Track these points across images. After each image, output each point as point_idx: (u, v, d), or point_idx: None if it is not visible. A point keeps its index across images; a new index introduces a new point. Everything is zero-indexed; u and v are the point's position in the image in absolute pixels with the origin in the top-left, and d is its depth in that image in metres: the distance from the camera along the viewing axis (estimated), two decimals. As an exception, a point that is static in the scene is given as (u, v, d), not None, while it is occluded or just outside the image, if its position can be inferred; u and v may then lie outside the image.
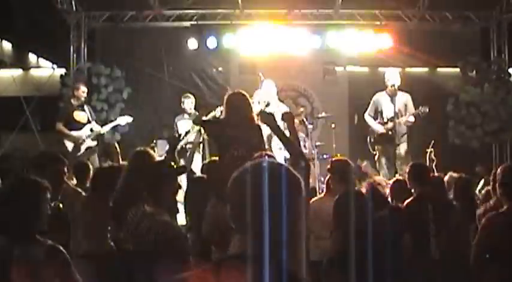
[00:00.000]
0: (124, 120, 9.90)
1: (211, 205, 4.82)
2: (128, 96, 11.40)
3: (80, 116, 9.57)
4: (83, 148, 9.44)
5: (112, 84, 11.38)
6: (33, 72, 13.75)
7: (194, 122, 8.78)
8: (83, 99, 9.64)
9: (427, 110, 9.01)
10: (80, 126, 9.49)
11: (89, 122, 9.57)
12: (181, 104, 9.80)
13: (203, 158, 9.29)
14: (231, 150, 5.25)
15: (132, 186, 4.49)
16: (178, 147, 9.63)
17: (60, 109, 10.26)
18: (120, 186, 4.84)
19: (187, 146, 9.56)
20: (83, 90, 9.69)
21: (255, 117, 6.36)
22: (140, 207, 3.97)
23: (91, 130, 9.52)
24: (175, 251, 3.70)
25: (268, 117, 4.42)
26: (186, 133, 9.70)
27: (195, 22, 11.66)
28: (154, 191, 3.96)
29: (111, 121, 10.07)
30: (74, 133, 9.44)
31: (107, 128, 9.87)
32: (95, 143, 9.62)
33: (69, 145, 9.44)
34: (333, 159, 6.49)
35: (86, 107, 9.66)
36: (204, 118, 7.17)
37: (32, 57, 13.92)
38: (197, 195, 5.40)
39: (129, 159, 5.26)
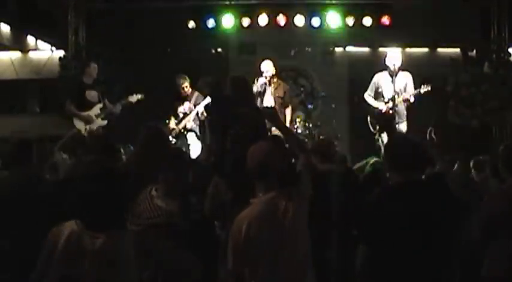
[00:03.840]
0: (134, 97, 9.77)
1: (213, 184, 4.85)
2: (126, 77, 11.35)
3: (91, 95, 9.52)
4: (92, 128, 9.42)
5: (110, 65, 11.33)
6: (32, 54, 13.65)
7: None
8: (95, 75, 9.59)
9: (429, 88, 9.03)
10: (91, 105, 9.46)
11: (99, 101, 9.52)
12: (179, 87, 9.77)
13: (203, 141, 9.32)
14: (235, 128, 5.26)
15: (147, 167, 4.41)
16: (177, 130, 9.70)
17: (71, 88, 10.21)
18: (136, 164, 4.73)
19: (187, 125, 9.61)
20: (93, 67, 9.65)
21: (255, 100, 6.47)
22: (148, 190, 3.97)
23: (101, 109, 9.49)
24: (164, 236, 3.73)
25: (269, 113, 4.57)
26: (184, 116, 9.70)
27: (194, 3, 11.58)
28: (169, 175, 4.00)
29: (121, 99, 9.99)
30: (83, 113, 9.42)
31: (119, 107, 9.78)
32: (105, 122, 9.59)
33: (78, 124, 9.42)
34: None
35: (97, 86, 9.61)
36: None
37: (31, 40, 13.80)
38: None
39: (145, 136, 4.90)
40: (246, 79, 6.44)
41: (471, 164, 6.73)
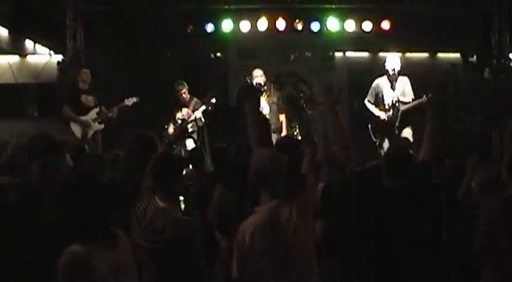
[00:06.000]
0: (130, 101, 9.75)
1: (218, 191, 4.81)
2: (125, 82, 11.31)
3: (87, 99, 9.53)
4: (90, 132, 9.41)
5: (109, 69, 11.29)
6: (30, 58, 13.62)
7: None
8: (87, 80, 9.59)
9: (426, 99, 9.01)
10: (87, 110, 9.45)
11: (96, 105, 9.52)
12: (177, 92, 9.76)
13: (201, 146, 9.30)
14: (238, 139, 5.24)
15: (138, 175, 4.25)
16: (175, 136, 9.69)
17: (67, 93, 10.18)
18: (125, 172, 4.59)
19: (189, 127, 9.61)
20: (84, 72, 9.66)
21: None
22: (151, 201, 3.84)
23: (97, 114, 9.48)
24: (189, 250, 3.67)
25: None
26: (183, 121, 9.66)
27: (193, 7, 11.53)
28: (163, 182, 3.90)
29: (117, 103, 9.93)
30: (81, 117, 9.41)
31: (115, 111, 9.74)
32: (102, 126, 9.58)
33: (76, 129, 9.40)
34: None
35: (94, 90, 9.63)
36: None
37: (29, 44, 13.77)
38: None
39: (132, 143, 4.63)
40: (254, 87, 6.44)
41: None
